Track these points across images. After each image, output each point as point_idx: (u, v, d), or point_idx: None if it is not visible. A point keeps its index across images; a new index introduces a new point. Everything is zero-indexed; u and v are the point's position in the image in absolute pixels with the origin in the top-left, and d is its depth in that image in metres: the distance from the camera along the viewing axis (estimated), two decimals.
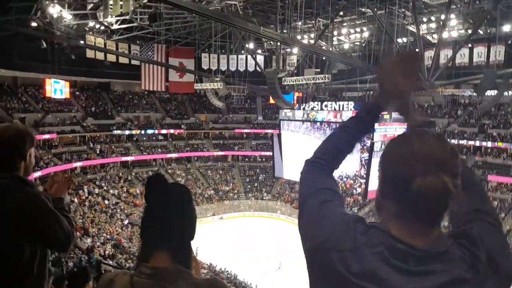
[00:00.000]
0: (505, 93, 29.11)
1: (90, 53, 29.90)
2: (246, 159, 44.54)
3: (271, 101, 30.84)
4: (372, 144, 19.48)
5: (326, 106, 21.74)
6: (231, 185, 40.97)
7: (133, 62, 32.47)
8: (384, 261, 0.96)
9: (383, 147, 20.20)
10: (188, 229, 1.39)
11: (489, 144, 34.96)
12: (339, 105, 21.38)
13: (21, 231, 1.82)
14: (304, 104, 22.49)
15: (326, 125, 21.57)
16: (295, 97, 25.67)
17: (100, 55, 30.34)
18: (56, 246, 2.11)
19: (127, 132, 39.71)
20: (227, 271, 24.46)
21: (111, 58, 31.14)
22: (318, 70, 23.35)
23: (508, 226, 29.25)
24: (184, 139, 43.42)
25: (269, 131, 42.16)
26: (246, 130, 45.17)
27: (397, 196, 1.01)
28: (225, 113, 45.37)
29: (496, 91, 26.27)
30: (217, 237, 27.84)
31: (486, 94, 26.54)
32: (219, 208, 36.96)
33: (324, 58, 24.03)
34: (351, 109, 21.09)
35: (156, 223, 1.34)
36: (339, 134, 1.32)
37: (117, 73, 37.58)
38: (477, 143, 35.69)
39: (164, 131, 42.10)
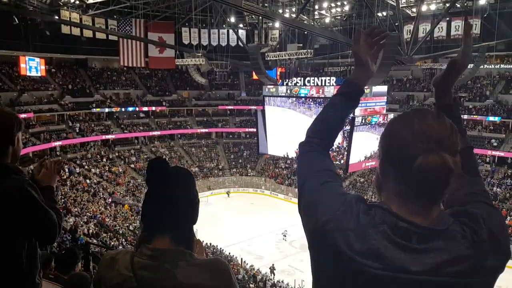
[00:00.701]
0: (481, 67, 29.79)
1: (65, 29, 28.95)
2: (230, 136, 44.56)
3: (255, 76, 30.68)
4: (353, 118, 19.80)
5: (308, 81, 21.85)
6: (215, 162, 41.12)
7: (111, 37, 31.61)
8: (387, 239, 0.97)
9: (364, 121, 20.55)
10: (190, 212, 1.39)
11: (465, 116, 35.89)
12: (322, 80, 21.54)
13: (7, 223, 1.76)
14: (287, 80, 22.55)
15: (310, 100, 21.76)
16: (278, 73, 25.67)
17: (76, 31, 29.43)
18: (42, 239, 2.02)
19: (106, 109, 38.93)
20: (213, 245, 24.89)
21: (88, 34, 30.23)
22: (301, 45, 23.30)
23: None
24: (167, 117, 43.00)
25: (253, 107, 42.13)
26: (229, 107, 44.94)
27: (399, 175, 1.02)
28: (207, 89, 44.96)
29: (472, 65, 26.89)
30: (205, 213, 28.15)
31: None
32: (204, 185, 37.17)
33: (306, 32, 23.98)
34: (333, 84, 21.29)
35: (157, 207, 1.34)
36: (328, 111, 1.35)
37: (95, 49, 36.63)
38: None
39: (145, 109, 41.53)
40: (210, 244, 25.13)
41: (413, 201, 1.01)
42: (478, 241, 0.99)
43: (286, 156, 24.48)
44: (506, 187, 30.36)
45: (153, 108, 42.10)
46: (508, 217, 27.64)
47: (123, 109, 39.98)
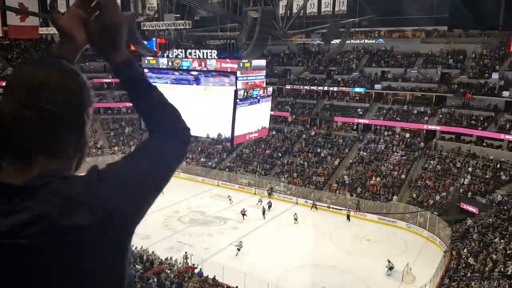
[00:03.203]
0: (347, 42, 32.86)
1: None
2: (109, 112, 41.99)
3: (132, 47, 28.95)
4: (236, 91, 20.22)
5: (190, 54, 21.47)
6: (92, 140, 38.38)
7: None
8: None
9: (245, 94, 21.11)
10: None
11: (335, 88, 39.62)
12: (203, 53, 21.36)
13: None
14: (167, 52, 21.83)
15: (194, 73, 21.47)
16: (158, 44, 24.68)
17: None
18: None
19: None
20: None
21: None
22: (178, 15, 22.63)
23: (351, 159, 34.37)
24: None
25: None
26: (106, 80, 42.01)
27: None
28: (80, 61, 40.92)
29: (339, 40, 29.50)
30: None
31: (332, 42, 29.60)
32: (84, 167, 34.49)
33: (183, 3, 23.36)
34: (214, 58, 21.27)
35: None
36: None
37: None
38: (326, 88, 40.10)
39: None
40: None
41: (10, 160, 0.95)
42: (62, 199, 0.90)
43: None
44: (371, 150, 34.58)
45: None
46: (373, 178, 31.70)
47: None
